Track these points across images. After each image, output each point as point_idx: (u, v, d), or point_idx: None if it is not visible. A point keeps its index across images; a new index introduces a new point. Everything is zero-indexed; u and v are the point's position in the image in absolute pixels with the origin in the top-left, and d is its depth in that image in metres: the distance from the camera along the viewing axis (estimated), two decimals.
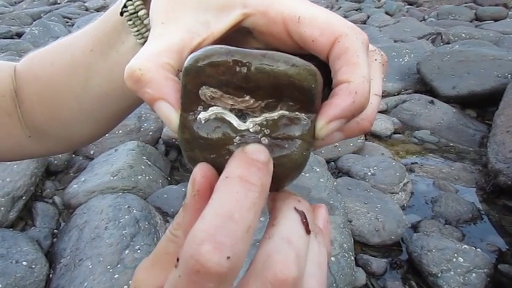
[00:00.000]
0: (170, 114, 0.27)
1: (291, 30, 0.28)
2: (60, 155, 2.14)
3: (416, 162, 2.29)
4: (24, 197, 1.81)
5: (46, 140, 0.49)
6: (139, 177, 1.94)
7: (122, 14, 0.38)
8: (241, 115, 0.26)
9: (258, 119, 0.26)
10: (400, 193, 1.95)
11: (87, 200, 1.76)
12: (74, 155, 2.28)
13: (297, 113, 0.26)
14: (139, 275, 0.27)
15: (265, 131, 0.26)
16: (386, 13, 5.35)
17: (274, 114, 0.26)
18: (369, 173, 2.02)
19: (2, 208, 1.70)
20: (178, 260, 0.22)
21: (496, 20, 4.62)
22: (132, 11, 0.37)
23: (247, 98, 0.26)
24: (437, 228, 1.76)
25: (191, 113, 0.26)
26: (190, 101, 0.26)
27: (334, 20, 0.28)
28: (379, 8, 5.73)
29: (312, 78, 0.25)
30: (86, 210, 1.68)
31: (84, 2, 6.73)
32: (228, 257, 0.21)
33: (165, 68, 0.27)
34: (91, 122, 0.46)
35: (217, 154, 0.26)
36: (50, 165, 2.11)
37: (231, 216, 0.22)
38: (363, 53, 0.27)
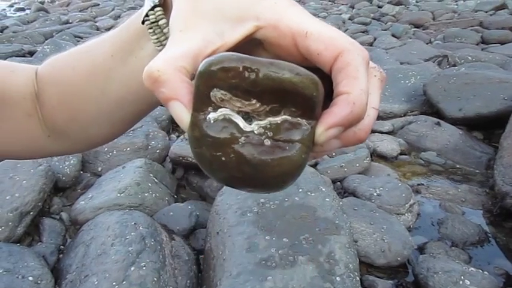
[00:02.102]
0: (182, 113, 0.29)
1: (299, 43, 0.31)
2: (68, 171, 2.17)
3: (422, 184, 2.29)
4: (31, 213, 1.82)
5: (64, 140, 0.50)
6: (146, 194, 1.96)
7: (143, 22, 0.40)
8: (248, 117, 0.29)
9: (263, 122, 0.28)
10: (406, 214, 1.95)
11: (94, 217, 1.78)
12: (81, 172, 2.30)
13: (298, 118, 0.29)
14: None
15: (268, 133, 0.28)
16: (393, 35, 5.40)
17: (278, 119, 0.29)
18: (375, 194, 2.01)
19: (10, 223, 1.72)
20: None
21: (502, 43, 4.64)
22: (153, 20, 0.40)
23: (253, 101, 0.28)
24: (443, 250, 1.75)
25: (202, 113, 0.29)
26: (201, 102, 0.29)
27: (339, 37, 0.30)
28: (385, 30, 5.79)
29: (313, 87, 0.28)
30: (93, 227, 1.69)
31: (95, 22, 6.88)
32: None
33: (181, 71, 0.30)
34: (107, 124, 0.48)
35: (223, 152, 0.28)
36: (58, 181, 2.13)
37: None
38: (363, 68, 0.30)
